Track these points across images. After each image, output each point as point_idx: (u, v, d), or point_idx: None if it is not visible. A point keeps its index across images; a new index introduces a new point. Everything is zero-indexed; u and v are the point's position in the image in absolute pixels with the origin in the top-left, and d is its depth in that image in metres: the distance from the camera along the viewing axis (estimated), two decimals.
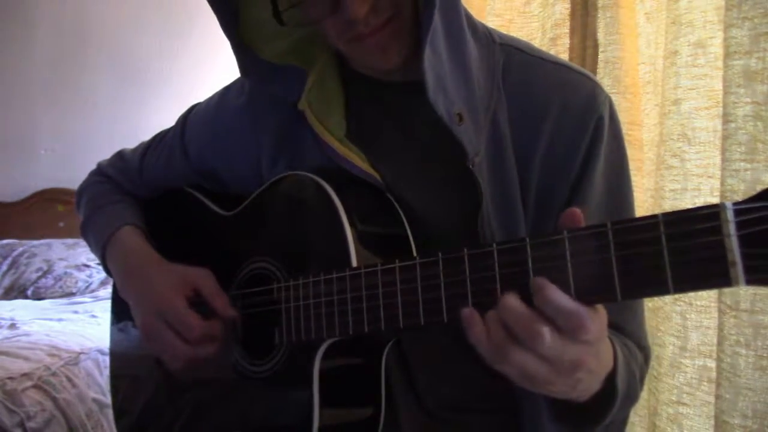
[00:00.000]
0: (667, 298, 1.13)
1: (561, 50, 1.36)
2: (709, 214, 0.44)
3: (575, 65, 0.80)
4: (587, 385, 0.57)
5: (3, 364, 1.75)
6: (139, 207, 0.99)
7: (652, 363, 1.16)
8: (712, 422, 0.99)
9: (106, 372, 1.94)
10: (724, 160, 0.93)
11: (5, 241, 3.15)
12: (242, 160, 0.88)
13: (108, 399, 1.86)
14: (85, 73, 3.45)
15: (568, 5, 1.36)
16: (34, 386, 1.73)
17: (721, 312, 0.95)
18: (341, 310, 0.66)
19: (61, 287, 2.82)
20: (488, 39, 0.76)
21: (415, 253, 0.72)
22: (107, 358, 1.91)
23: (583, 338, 0.50)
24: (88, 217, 0.99)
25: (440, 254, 0.58)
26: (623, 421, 0.79)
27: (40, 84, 3.47)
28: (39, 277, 2.86)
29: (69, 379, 1.84)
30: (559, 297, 0.50)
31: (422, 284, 0.59)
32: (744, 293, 0.91)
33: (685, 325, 1.10)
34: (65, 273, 2.87)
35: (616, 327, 0.72)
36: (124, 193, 1.01)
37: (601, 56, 1.26)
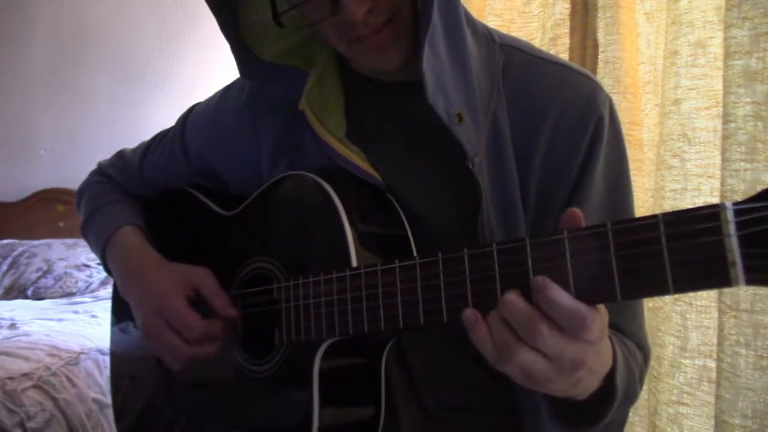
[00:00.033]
0: (667, 298, 1.13)
1: (561, 50, 1.36)
2: (709, 214, 0.44)
3: (575, 65, 0.79)
4: (587, 384, 0.57)
5: (3, 364, 1.75)
6: (140, 207, 0.99)
7: (652, 363, 1.16)
8: (712, 422, 0.99)
9: (106, 372, 1.94)
10: (724, 160, 0.93)
11: (5, 241, 3.15)
12: (242, 160, 0.88)
13: (108, 399, 1.86)
14: (85, 73, 3.44)
15: (568, 5, 1.36)
16: (34, 386, 1.73)
17: (721, 312, 0.95)
18: (341, 310, 0.66)
19: (61, 287, 2.82)
20: (488, 39, 0.76)
21: (415, 253, 0.72)
22: (107, 358, 1.92)
23: (585, 338, 0.50)
24: (88, 217, 0.99)
25: (440, 254, 0.58)
26: (622, 421, 0.79)
27: (39, 84, 3.47)
28: (39, 277, 2.86)
29: (69, 379, 1.84)
30: (560, 296, 0.50)
31: (422, 284, 0.59)
32: (744, 293, 0.92)
33: (685, 325, 1.10)
34: (65, 273, 2.87)
35: (616, 327, 0.72)
36: (125, 193, 1.01)
37: (601, 56, 1.26)
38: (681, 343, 1.10)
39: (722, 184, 0.93)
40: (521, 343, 0.51)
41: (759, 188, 0.44)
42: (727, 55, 0.92)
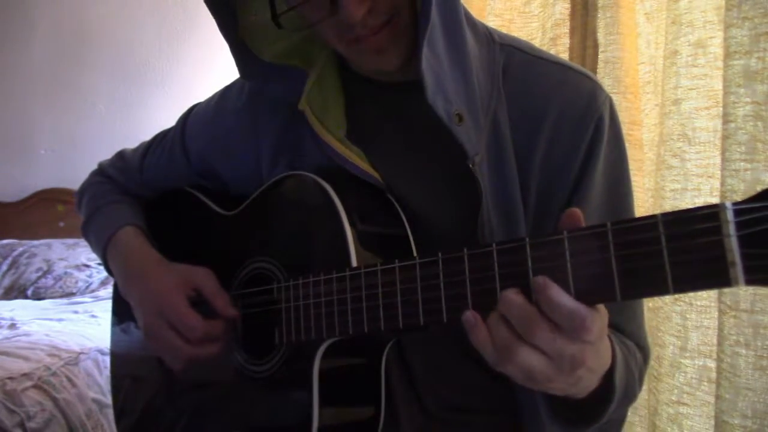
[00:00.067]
0: (667, 298, 1.13)
1: (561, 50, 1.36)
2: (709, 214, 0.44)
3: (576, 65, 0.79)
4: (586, 383, 0.57)
5: (3, 364, 1.75)
6: (140, 207, 0.99)
7: (652, 363, 1.16)
8: (712, 422, 0.99)
9: (106, 372, 1.94)
10: (724, 160, 0.93)
11: (5, 241, 3.15)
12: (242, 160, 0.88)
13: (108, 399, 1.86)
14: (85, 73, 3.45)
15: (568, 5, 1.36)
16: (34, 386, 1.73)
17: (721, 312, 0.95)
18: (341, 310, 0.66)
19: (61, 287, 2.82)
20: (488, 39, 0.76)
21: (415, 253, 0.72)
22: (107, 358, 1.92)
23: (585, 339, 0.50)
24: (88, 218, 0.99)
25: (440, 254, 0.58)
26: (621, 420, 0.79)
27: (40, 84, 3.47)
28: (39, 277, 2.86)
29: (69, 379, 1.84)
30: (561, 297, 0.50)
31: (422, 284, 0.59)
32: (744, 293, 0.91)
33: (685, 325, 1.10)
34: (65, 273, 2.87)
35: (616, 327, 0.72)
36: (125, 193, 1.01)
37: (601, 56, 1.26)
38: (681, 343, 1.10)
39: (722, 184, 0.93)
40: (521, 343, 0.51)
41: (759, 188, 0.44)
42: (727, 55, 0.92)
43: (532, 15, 1.47)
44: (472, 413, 0.79)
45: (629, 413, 1.24)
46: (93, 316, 2.34)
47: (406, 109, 0.77)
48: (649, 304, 1.19)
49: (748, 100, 0.90)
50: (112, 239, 0.92)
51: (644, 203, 1.24)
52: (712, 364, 1.04)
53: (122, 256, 0.91)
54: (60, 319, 2.27)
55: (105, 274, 2.65)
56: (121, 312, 0.99)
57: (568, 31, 1.36)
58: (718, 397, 0.95)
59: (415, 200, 0.75)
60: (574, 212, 0.52)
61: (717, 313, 0.98)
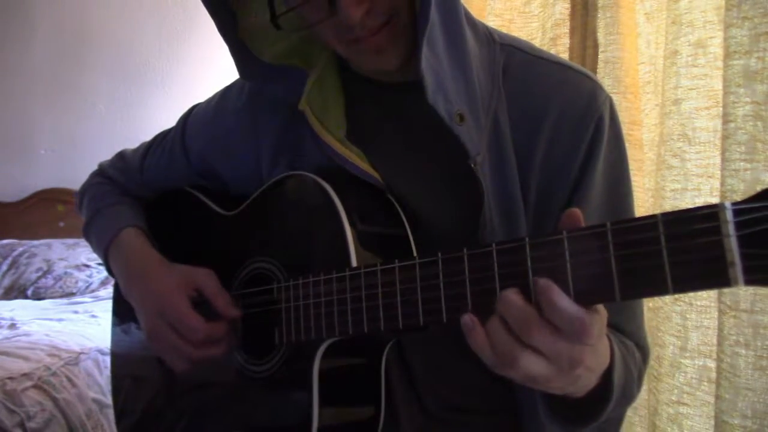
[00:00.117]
0: (667, 298, 1.13)
1: (561, 50, 1.36)
2: (709, 214, 0.44)
3: (576, 65, 0.79)
4: (585, 382, 0.57)
5: (3, 364, 1.75)
6: (141, 208, 0.99)
7: (652, 363, 1.16)
8: (712, 422, 0.99)
9: (106, 372, 1.94)
10: (724, 160, 0.93)
11: (5, 241, 3.15)
12: (242, 160, 0.88)
13: (108, 399, 1.86)
14: (85, 73, 3.45)
15: (568, 5, 1.36)
16: (34, 386, 1.73)
17: (721, 312, 0.95)
18: (341, 310, 0.66)
19: (61, 287, 2.82)
20: (489, 39, 0.76)
21: (415, 254, 0.72)
22: (107, 358, 1.92)
23: (585, 342, 0.50)
24: (90, 219, 0.99)
25: (439, 254, 0.58)
26: (619, 419, 0.79)
27: (40, 84, 3.47)
28: (39, 277, 2.86)
29: (69, 379, 1.84)
30: (563, 301, 0.49)
31: (422, 284, 0.59)
32: (744, 293, 0.91)
33: (685, 325, 1.10)
34: (65, 273, 2.87)
35: (615, 327, 0.72)
36: (125, 194, 1.01)
37: (601, 56, 1.26)
38: (681, 343, 1.10)
39: (722, 184, 0.93)
40: (522, 348, 0.51)
41: (759, 188, 0.44)
42: (727, 55, 0.92)
43: (532, 15, 1.47)
44: (472, 413, 0.79)
45: (629, 413, 1.25)
46: (93, 316, 2.34)
47: (406, 109, 0.77)
48: (649, 304, 1.19)
49: (748, 100, 0.90)
50: (114, 241, 0.92)
51: (644, 203, 1.24)
52: (712, 364, 1.04)
53: (123, 257, 0.91)
54: (60, 319, 2.27)
55: (105, 274, 2.66)
56: (122, 312, 0.99)
57: (568, 31, 1.36)
58: (718, 397, 0.95)
59: (415, 200, 0.76)
60: (574, 212, 0.52)
61: (717, 313, 0.98)
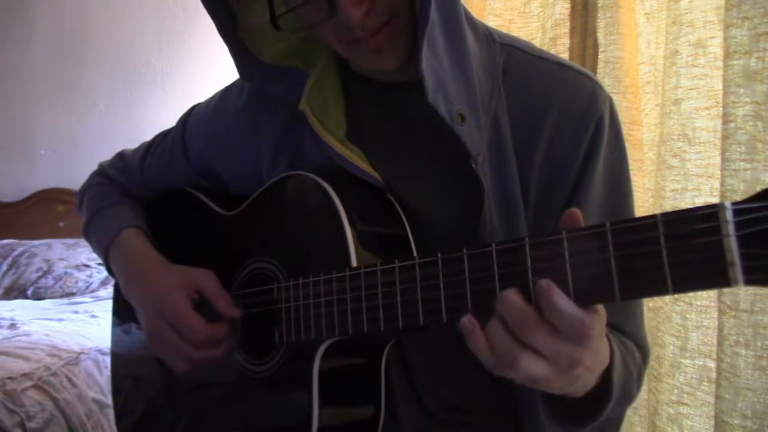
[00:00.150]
0: (667, 298, 1.13)
1: (561, 50, 1.36)
2: (708, 214, 0.44)
3: (576, 65, 0.79)
4: (585, 381, 0.57)
5: (3, 364, 1.75)
6: (141, 208, 0.99)
7: (652, 363, 1.16)
8: (712, 422, 0.99)
9: (106, 372, 1.94)
10: (724, 160, 0.93)
11: (5, 241, 3.15)
12: (242, 160, 0.88)
13: (108, 399, 1.86)
14: (85, 73, 3.45)
15: (568, 5, 1.36)
16: (34, 386, 1.73)
17: (721, 312, 0.95)
18: (341, 310, 0.66)
19: (61, 287, 2.82)
20: (489, 39, 0.76)
21: (415, 253, 0.72)
22: (107, 358, 1.92)
23: (585, 344, 0.50)
24: (90, 220, 0.99)
25: (439, 254, 0.58)
26: (619, 419, 0.79)
27: (40, 84, 3.47)
28: (39, 277, 2.86)
29: (69, 379, 1.84)
30: (564, 303, 0.49)
31: (422, 284, 0.59)
32: (744, 293, 0.91)
33: (685, 325, 1.10)
34: (65, 273, 2.87)
35: (615, 327, 0.72)
36: (125, 194, 1.01)
37: (601, 56, 1.26)
38: (681, 343, 1.10)
39: (722, 184, 0.93)
40: (522, 349, 0.51)
41: (759, 188, 0.44)
42: (727, 55, 0.92)
43: (532, 15, 1.47)
44: (472, 413, 0.79)
45: (629, 413, 1.25)
46: (93, 316, 2.34)
47: (406, 109, 0.77)
48: (649, 304, 1.19)
49: (748, 100, 0.90)
50: (114, 241, 0.92)
51: (644, 203, 1.24)
52: (712, 364, 1.04)
53: (124, 258, 0.91)
54: (60, 319, 2.27)
55: (105, 274, 2.66)
56: (122, 312, 0.99)
57: (568, 31, 1.36)
58: (718, 397, 0.95)
59: (415, 200, 0.76)
60: (574, 212, 0.52)
61: (717, 313, 0.98)
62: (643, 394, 1.21)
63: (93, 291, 2.80)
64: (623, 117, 1.20)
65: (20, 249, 3.04)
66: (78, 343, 2.01)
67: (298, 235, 0.76)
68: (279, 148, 0.84)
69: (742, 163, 0.91)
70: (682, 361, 1.10)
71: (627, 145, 0.79)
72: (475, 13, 0.84)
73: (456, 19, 0.69)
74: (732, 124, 0.92)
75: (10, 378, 1.70)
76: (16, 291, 2.86)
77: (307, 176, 0.74)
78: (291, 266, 0.75)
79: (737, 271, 0.42)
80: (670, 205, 1.12)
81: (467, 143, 0.69)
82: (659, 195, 1.15)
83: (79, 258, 2.95)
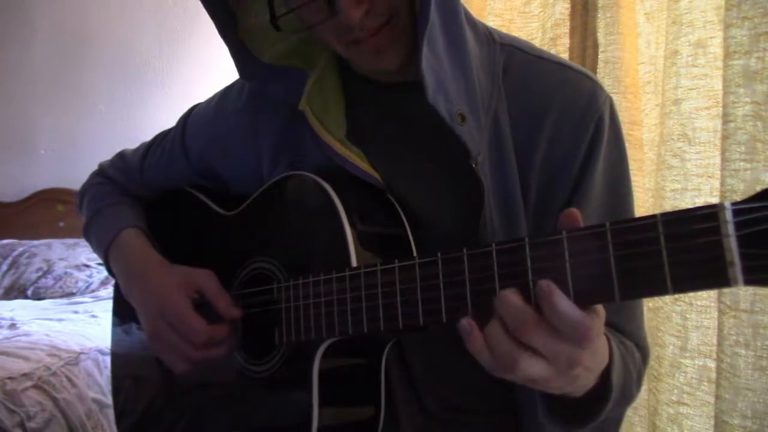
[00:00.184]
0: (667, 298, 1.13)
1: (561, 50, 1.36)
2: (708, 214, 0.44)
3: (576, 65, 0.79)
4: (584, 381, 0.57)
5: (3, 364, 1.75)
6: (141, 208, 0.99)
7: (652, 363, 1.16)
8: (712, 422, 0.99)
9: (106, 372, 1.94)
10: (724, 160, 0.93)
11: (5, 241, 3.15)
12: (243, 160, 0.88)
13: (108, 399, 1.86)
14: (85, 73, 3.45)
15: (568, 5, 1.36)
16: (34, 386, 1.73)
17: (721, 312, 0.95)
18: (341, 310, 0.66)
19: (61, 287, 2.82)
20: (489, 39, 0.76)
21: (415, 253, 0.72)
22: (107, 358, 1.92)
23: (585, 346, 0.50)
24: (90, 220, 0.99)
25: (439, 254, 0.58)
26: (618, 419, 0.79)
27: (40, 84, 3.48)
28: (39, 277, 2.86)
29: (69, 379, 1.84)
30: (565, 305, 0.49)
31: (421, 284, 0.59)
32: (744, 293, 0.91)
33: (685, 325, 1.10)
34: (65, 273, 2.87)
35: (615, 327, 0.72)
36: (125, 194, 1.01)
37: (601, 56, 1.26)
38: (681, 343, 1.10)
39: (722, 184, 0.93)
40: (520, 349, 0.51)
41: (759, 188, 0.43)
42: (727, 55, 0.92)
43: (532, 15, 1.47)
44: (472, 413, 0.79)
45: (629, 413, 1.25)
46: (93, 316, 2.34)
47: (406, 109, 0.77)
48: (649, 304, 1.19)
49: (748, 100, 0.90)
50: (114, 241, 0.92)
51: (644, 203, 1.24)
52: (712, 364, 1.04)
53: (124, 258, 0.91)
54: (60, 319, 2.27)
55: (105, 274, 2.66)
56: (122, 312, 0.99)
57: (568, 31, 1.36)
58: (717, 397, 0.95)
59: (415, 200, 0.76)
60: (572, 212, 0.52)
61: (717, 313, 0.98)
62: (643, 394, 1.21)
63: (93, 291, 2.80)
64: (623, 117, 1.20)
65: (20, 249, 3.04)
66: (78, 343, 2.01)
67: (298, 235, 0.76)
68: (279, 148, 0.84)
69: (742, 163, 0.91)
70: (682, 361, 1.10)
71: (627, 145, 0.79)
72: (475, 13, 0.84)
73: (456, 19, 0.69)
74: (732, 124, 0.92)
75: (10, 378, 1.70)
76: (16, 291, 2.86)
77: (307, 176, 0.74)
78: (291, 266, 0.75)
79: (737, 271, 0.42)
80: (670, 205, 1.12)
81: (467, 143, 0.69)
82: (659, 195, 1.15)
83: (79, 258, 2.95)
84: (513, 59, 0.76)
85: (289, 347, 0.74)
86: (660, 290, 0.46)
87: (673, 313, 1.12)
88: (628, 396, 0.70)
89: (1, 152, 3.46)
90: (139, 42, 3.42)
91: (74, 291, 2.81)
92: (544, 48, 1.35)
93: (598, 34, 1.26)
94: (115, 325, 1.02)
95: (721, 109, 0.96)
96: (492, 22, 1.47)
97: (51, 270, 2.89)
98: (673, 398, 1.12)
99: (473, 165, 0.69)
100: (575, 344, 0.50)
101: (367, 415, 0.71)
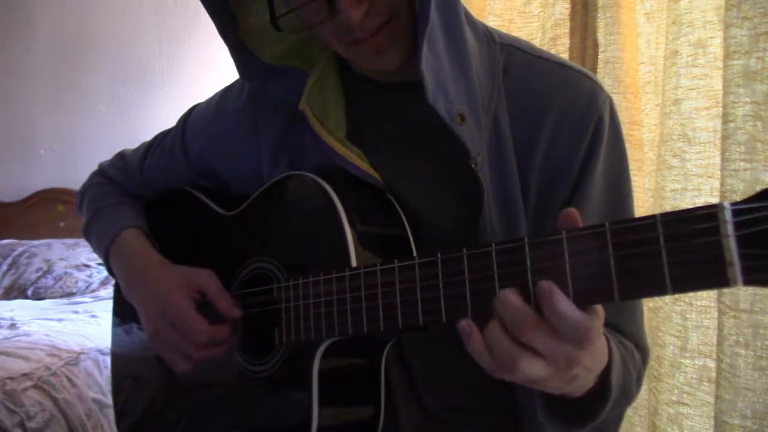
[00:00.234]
0: (667, 298, 1.13)
1: (561, 50, 1.36)
2: (708, 215, 0.44)
3: (576, 65, 0.79)
4: (583, 381, 0.57)
5: (3, 364, 1.75)
6: (141, 208, 0.99)
7: (652, 363, 1.16)
8: (712, 422, 0.99)
9: (106, 372, 1.94)
10: (723, 160, 0.93)
11: (5, 241, 3.15)
12: (242, 160, 0.88)
13: (108, 399, 1.86)
14: (85, 73, 3.45)
15: (568, 5, 1.36)
16: (34, 386, 1.73)
17: (720, 312, 0.95)
18: (340, 310, 0.66)
19: (61, 287, 2.82)
20: (489, 39, 0.76)
21: (415, 254, 0.72)
22: (107, 358, 1.92)
23: (585, 347, 0.50)
24: (90, 220, 0.99)
25: (439, 254, 0.58)
26: (618, 419, 0.79)
27: (40, 84, 3.48)
28: (39, 277, 2.86)
29: (69, 379, 1.84)
30: (566, 306, 0.49)
31: (421, 284, 0.59)
32: (744, 293, 0.91)
33: (685, 325, 1.10)
34: (65, 273, 2.87)
35: (615, 327, 0.72)
36: (126, 194, 1.01)
37: (601, 56, 1.26)
38: (681, 343, 1.10)
39: (722, 184, 0.93)
40: (519, 349, 0.51)
41: (758, 188, 0.44)
42: (727, 55, 0.92)
43: (532, 15, 1.47)
44: (472, 413, 0.79)
45: (629, 413, 1.25)
46: (93, 316, 2.34)
47: (406, 109, 0.77)
48: (649, 304, 1.19)
49: (748, 100, 0.90)
50: (114, 241, 0.92)
51: (644, 203, 1.24)
52: (712, 364, 1.04)
53: (124, 258, 0.91)
54: (60, 319, 2.27)
55: (105, 274, 2.66)
56: (122, 312, 0.99)
57: (568, 31, 1.36)
58: (717, 397, 0.95)
59: (415, 200, 0.76)
60: (571, 212, 0.52)
61: (717, 313, 0.98)
62: (643, 394, 1.21)
63: (93, 291, 2.80)
64: (623, 117, 1.20)
65: (20, 249, 3.04)
66: (78, 343, 2.01)
67: (298, 235, 0.76)
68: (279, 148, 0.84)
69: (742, 163, 0.91)
70: (682, 361, 1.10)
71: (627, 145, 0.79)
72: (475, 13, 0.84)
73: (456, 19, 0.69)
74: (732, 124, 0.92)
75: (10, 378, 1.70)
76: (16, 291, 2.86)
77: (307, 176, 0.74)
78: (291, 266, 0.75)
79: (736, 271, 0.42)
80: (670, 205, 1.12)
81: (467, 143, 0.69)
82: (659, 195, 1.15)
83: (79, 258, 2.95)
84: (513, 59, 0.76)
85: (288, 347, 0.74)
86: (659, 290, 0.46)
87: (673, 313, 1.12)
88: (627, 396, 0.70)
89: (1, 152, 3.46)
90: (139, 42, 3.42)
91: (74, 291, 2.81)
92: (544, 48, 1.35)
93: (598, 34, 1.26)
94: (115, 325, 1.02)
95: (721, 109, 0.96)
96: (492, 22, 1.47)
97: (51, 270, 2.89)
98: (673, 398, 1.12)
99: (473, 165, 0.69)
100: (575, 345, 0.50)
101: (367, 415, 0.71)
